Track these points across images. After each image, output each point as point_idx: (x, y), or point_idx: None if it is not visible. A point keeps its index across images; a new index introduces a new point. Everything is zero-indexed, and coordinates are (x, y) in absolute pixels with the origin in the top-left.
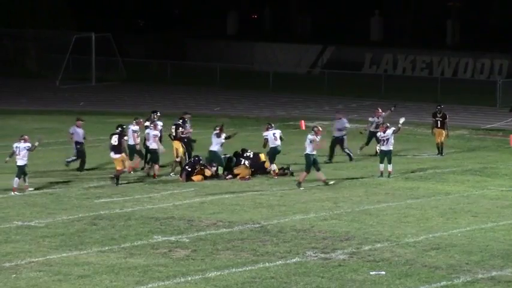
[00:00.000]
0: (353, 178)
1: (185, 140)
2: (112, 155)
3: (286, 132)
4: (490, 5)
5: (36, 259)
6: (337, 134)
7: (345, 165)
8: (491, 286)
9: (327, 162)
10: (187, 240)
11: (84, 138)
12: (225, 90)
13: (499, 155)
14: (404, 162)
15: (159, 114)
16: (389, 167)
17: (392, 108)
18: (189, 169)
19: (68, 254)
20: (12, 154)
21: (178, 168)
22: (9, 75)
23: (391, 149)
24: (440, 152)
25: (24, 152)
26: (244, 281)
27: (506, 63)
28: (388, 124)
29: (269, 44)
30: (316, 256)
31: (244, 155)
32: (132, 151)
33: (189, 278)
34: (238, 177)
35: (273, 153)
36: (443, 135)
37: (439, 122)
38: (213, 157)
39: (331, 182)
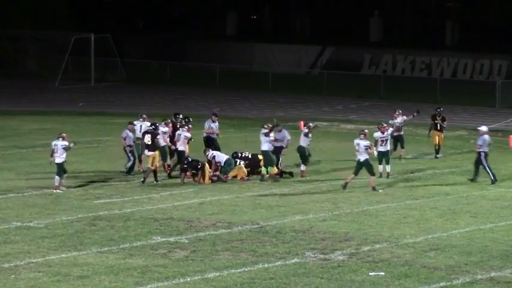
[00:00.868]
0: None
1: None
2: (146, 152)
3: None
4: (490, 5)
5: (36, 260)
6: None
7: (345, 166)
8: (490, 287)
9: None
10: (187, 241)
11: (134, 141)
12: (225, 90)
13: (499, 156)
14: (403, 163)
15: (181, 116)
16: (388, 168)
17: (415, 114)
18: (194, 171)
19: (67, 255)
20: (52, 152)
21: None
22: (9, 75)
23: (389, 149)
24: (436, 154)
25: (61, 150)
26: (244, 281)
27: (506, 64)
28: (390, 126)
29: (269, 45)
30: (316, 257)
31: (242, 155)
32: (164, 152)
33: (188, 279)
34: (238, 177)
35: (301, 153)
36: (442, 138)
37: (438, 125)
38: (264, 157)
39: (379, 190)
